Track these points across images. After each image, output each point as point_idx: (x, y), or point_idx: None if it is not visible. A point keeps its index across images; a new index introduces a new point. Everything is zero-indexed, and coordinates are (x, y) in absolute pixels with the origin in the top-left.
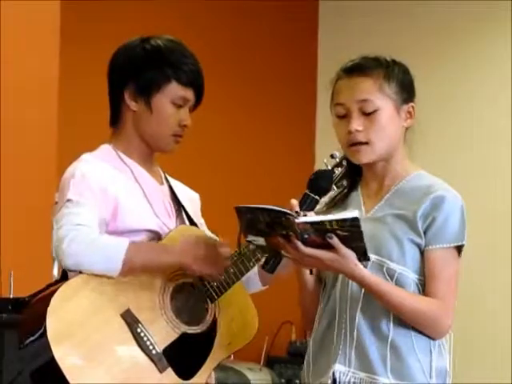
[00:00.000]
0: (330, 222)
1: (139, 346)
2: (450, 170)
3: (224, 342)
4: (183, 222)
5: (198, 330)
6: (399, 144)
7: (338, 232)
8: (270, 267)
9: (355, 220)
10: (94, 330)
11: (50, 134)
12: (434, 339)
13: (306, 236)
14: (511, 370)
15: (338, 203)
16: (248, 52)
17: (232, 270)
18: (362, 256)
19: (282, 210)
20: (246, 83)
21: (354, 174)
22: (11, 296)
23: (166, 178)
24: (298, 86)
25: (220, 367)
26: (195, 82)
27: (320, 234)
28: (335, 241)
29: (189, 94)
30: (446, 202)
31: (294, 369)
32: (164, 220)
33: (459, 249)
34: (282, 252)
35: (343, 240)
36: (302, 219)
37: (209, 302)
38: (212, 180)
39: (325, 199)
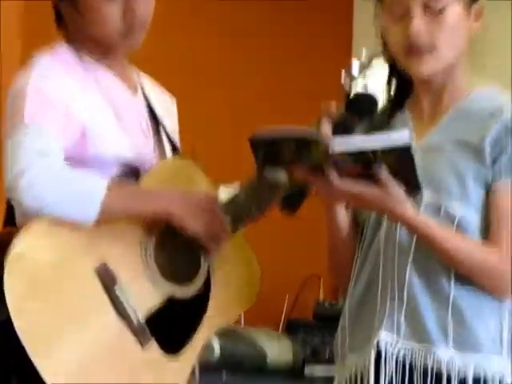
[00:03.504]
0: (374, 150)
1: (117, 312)
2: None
3: (219, 306)
4: (162, 145)
5: (188, 293)
6: (464, 53)
7: (384, 161)
8: (291, 207)
9: (406, 146)
10: (63, 290)
11: None
12: (504, 301)
13: (341, 165)
14: None
15: (379, 127)
16: None
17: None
18: (413, 192)
19: (311, 134)
20: None
21: (401, 90)
22: None
23: (141, 86)
24: None
25: (227, 335)
26: None
27: (359, 164)
28: (382, 173)
29: None
30: None
31: (322, 336)
32: (140, 146)
33: None
34: (309, 187)
35: (389, 171)
36: (337, 147)
37: (201, 257)
38: (219, 96)
39: (363, 124)
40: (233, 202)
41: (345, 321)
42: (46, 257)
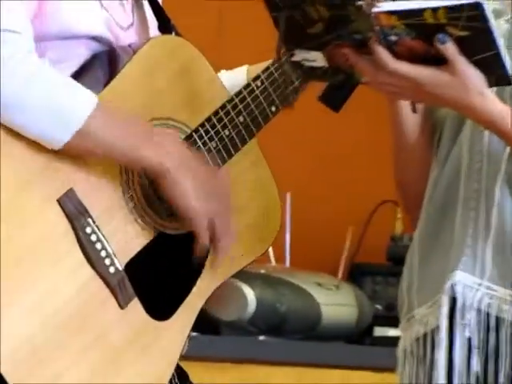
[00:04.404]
0: (434, 9)
1: (87, 258)
2: None
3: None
4: (145, 20)
5: (184, 230)
6: None
7: (451, 31)
8: (333, 101)
9: (479, 6)
10: (15, 226)
11: None
12: None
13: (394, 39)
14: None
15: None
16: None
17: (249, 114)
18: (498, 82)
19: None
20: None
21: None
22: None
23: None
24: None
25: (266, 283)
26: None
27: (418, 36)
28: (448, 48)
29: None
30: None
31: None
32: (118, 20)
33: None
34: (355, 74)
35: (461, 46)
36: (383, 7)
37: None
38: None
39: None
40: (243, 97)
41: (412, 260)
42: None
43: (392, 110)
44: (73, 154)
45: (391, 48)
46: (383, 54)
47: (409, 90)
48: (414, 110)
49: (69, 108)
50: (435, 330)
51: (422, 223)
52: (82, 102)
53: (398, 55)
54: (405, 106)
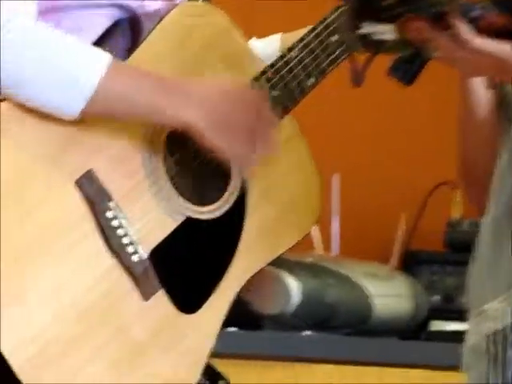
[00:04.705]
0: None
1: (108, 245)
2: None
3: (259, 235)
4: None
5: (213, 215)
6: None
7: None
8: (404, 76)
9: None
10: (29, 210)
11: None
12: None
13: (476, 15)
14: None
15: None
16: None
17: (285, 87)
18: None
19: None
20: None
21: None
22: None
23: None
24: None
25: (312, 273)
26: None
27: (504, 12)
28: None
29: None
30: None
31: (458, 274)
32: None
33: None
34: (428, 48)
35: None
36: None
37: (231, 168)
38: None
39: None
40: (278, 69)
41: (482, 248)
42: (8, 161)
43: (464, 87)
44: (92, 118)
45: (472, 22)
46: (466, 29)
47: (489, 68)
48: (492, 86)
49: (77, 71)
50: (508, 327)
51: (494, 209)
52: (91, 63)
53: (480, 31)
54: (478, 86)
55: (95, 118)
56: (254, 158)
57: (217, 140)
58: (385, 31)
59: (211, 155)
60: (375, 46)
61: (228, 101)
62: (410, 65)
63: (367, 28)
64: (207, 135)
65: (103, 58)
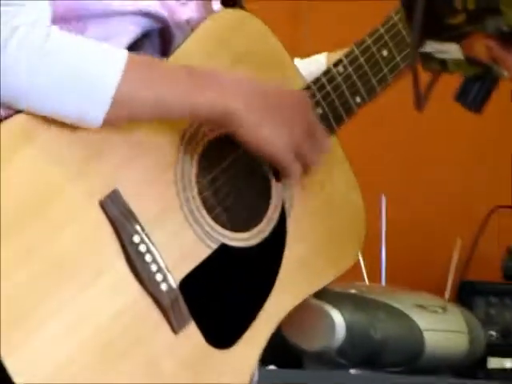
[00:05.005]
0: None
1: (134, 272)
2: None
3: (300, 265)
4: None
5: (249, 243)
6: None
7: None
8: (472, 100)
9: None
10: (51, 234)
11: None
12: None
13: None
14: None
15: None
16: None
17: (329, 105)
18: None
19: None
20: None
21: None
22: None
23: None
24: None
25: (357, 305)
26: None
27: None
28: None
29: None
30: None
31: None
32: None
33: None
34: (497, 68)
35: None
36: None
37: (272, 188)
38: None
39: None
40: (322, 85)
41: None
42: (17, 181)
43: None
44: (117, 122)
45: None
46: None
47: None
48: None
49: (95, 76)
50: None
51: None
52: (109, 64)
53: None
54: None
55: (119, 123)
56: (307, 158)
57: (264, 128)
58: (450, 50)
59: (254, 155)
60: (439, 66)
61: (275, 94)
62: (478, 88)
63: (432, 46)
64: (251, 120)
65: (119, 58)
